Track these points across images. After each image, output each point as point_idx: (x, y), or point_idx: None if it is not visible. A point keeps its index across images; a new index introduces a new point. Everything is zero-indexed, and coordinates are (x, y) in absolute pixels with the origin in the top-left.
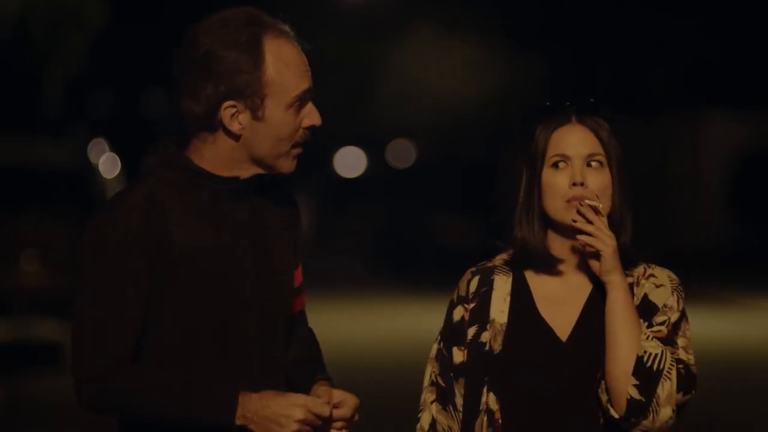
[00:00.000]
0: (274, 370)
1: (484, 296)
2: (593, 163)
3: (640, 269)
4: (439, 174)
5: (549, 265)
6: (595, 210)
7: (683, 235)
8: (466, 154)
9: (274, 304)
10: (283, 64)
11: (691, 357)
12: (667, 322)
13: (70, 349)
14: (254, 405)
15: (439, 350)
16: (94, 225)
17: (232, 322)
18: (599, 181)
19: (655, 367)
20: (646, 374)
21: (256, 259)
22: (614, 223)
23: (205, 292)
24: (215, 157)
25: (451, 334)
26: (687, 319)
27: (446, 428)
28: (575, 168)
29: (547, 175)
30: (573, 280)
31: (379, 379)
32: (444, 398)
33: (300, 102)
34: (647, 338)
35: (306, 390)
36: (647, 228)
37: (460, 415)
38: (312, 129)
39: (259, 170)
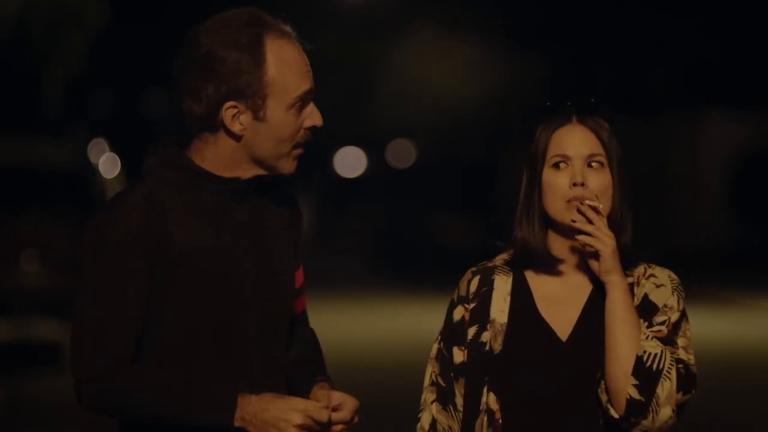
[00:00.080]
0: (274, 371)
1: (484, 296)
2: (594, 164)
3: (640, 269)
4: (439, 174)
5: (549, 265)
6: (596, 210)
7: (683, 235)
8: (466, 154)
9: (274, 305)
10: (285, 64)
11: (691, 357)
12: (667, 322)
13: (70, 349)
14: (253, 407)
15: (439, 350)
16: (94, 225)
17: (232, 323)
18: (599, 182)
19: (654, 367)
20: (645, 374)
21: (256, 259)
22: (614, 224)
23: (205, 292)
24: (216, 157)
25: (452, 334)
26: (687, 319)
27: (446, 428)
28: (576, 168)
29: (548, 175)
30: (573, 280)
31: (379, 379)
32: (444, 398)
33: (301, 102)
34: (647, 338)
35: (305, 390)
36: (647, 228)
37: (461, 415)
38: (313, 129)
39: (260, 171)
